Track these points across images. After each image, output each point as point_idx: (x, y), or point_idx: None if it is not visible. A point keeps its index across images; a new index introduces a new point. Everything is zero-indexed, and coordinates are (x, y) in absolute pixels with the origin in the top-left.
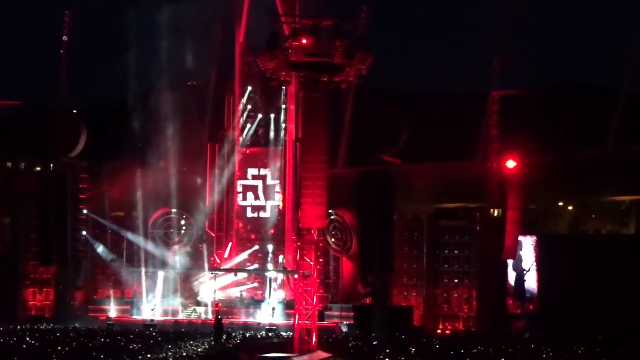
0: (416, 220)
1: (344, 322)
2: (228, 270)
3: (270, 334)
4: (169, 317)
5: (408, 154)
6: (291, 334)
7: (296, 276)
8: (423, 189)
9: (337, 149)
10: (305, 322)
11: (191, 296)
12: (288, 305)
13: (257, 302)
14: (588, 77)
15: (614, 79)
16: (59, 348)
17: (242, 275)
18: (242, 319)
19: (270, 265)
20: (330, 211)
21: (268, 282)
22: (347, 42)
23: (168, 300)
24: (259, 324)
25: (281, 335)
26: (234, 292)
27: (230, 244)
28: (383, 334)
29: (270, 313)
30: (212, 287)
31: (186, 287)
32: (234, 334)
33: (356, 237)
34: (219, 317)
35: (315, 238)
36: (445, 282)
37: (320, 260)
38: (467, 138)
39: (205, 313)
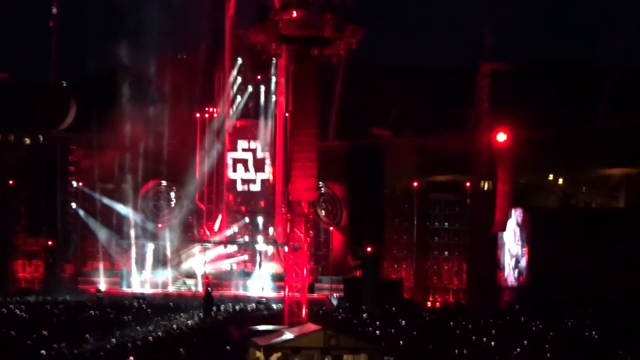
0: (406, 193)
1: (334, 295)
2: (218, 243)
3: (260, 307)
4: (159, 290)
5: (398, 128)
6: (281, 306)
7: (286, 249)
8: (413, 162)
9: (328, 122)
10: (296, 294)
11: (181, 269)
12: (278, 277)
13: (247, 275)
14: (580, 53)
15: (605, 54)
16: (49, 321)
17: (232, 248)
18: (232, 291)
19: (260, 238)
20: (320, 184)
21: (258, 255)
22: (337, 15)
23: (158, 273)
24: (249, 296)
25: (271, 307)
26: (224, 265)
27: (220, 216)
28: (373, 307)
29: (260, 286)
30: (202, 260)
31: (176, 259)
32: (223, 307)
33: (346, 209)
34: (209, 289)
35: (306, 211)
36: (435, 254)
37: (311, 232)
38: (458, 112)
39: (195, 286)
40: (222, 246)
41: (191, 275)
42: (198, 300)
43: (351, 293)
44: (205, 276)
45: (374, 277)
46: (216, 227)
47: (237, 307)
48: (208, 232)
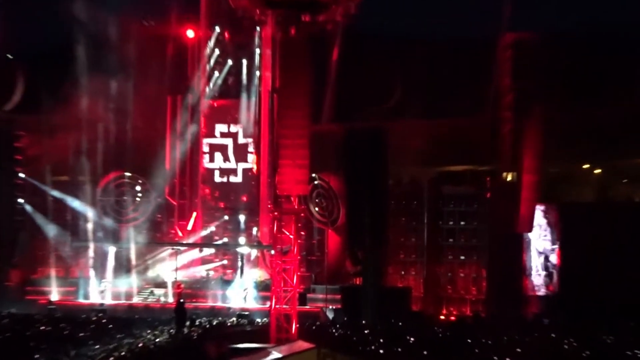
0: (415, 185)
1: (330, 307)
2: (192, 246)
3: (242, 321)
4: (122, 301)
5: (405, 108)
6: (267, 320)
7: (273, 252)
8: (423, 149)
9: (322, 101)
10: (284, 306)
11: (148, 276)
12: (263, 286)
13: (226, 283)
14: (621, 19)
15: None
16: None
17: (208, 251)
18: (209, 302)
19: (242, 240)
20: (313, 175)
21: (240, 260)
22: None
23: (121, 282)
24: (229, 308)
25: (255, 322)
26: (199, 272)
27: (194, 214)
28: (376, 321)
29: (242, 296)
30: (173, 266)
31: (142, 265)
32: (198, 321)
33: (344, 206)
34: (181, 300)
35: (296, 207)
36: (449, 259)
37: (302, 233)
38: (475, 89)
39: (165, 296)
40: (196, 249)
41: (160, 283)
42: (168, 313)
43: (350, 304)
44: (176, 285)
45: (376, 285)
46: (190, 226)
47: (214, 322)
48: (180, 233)
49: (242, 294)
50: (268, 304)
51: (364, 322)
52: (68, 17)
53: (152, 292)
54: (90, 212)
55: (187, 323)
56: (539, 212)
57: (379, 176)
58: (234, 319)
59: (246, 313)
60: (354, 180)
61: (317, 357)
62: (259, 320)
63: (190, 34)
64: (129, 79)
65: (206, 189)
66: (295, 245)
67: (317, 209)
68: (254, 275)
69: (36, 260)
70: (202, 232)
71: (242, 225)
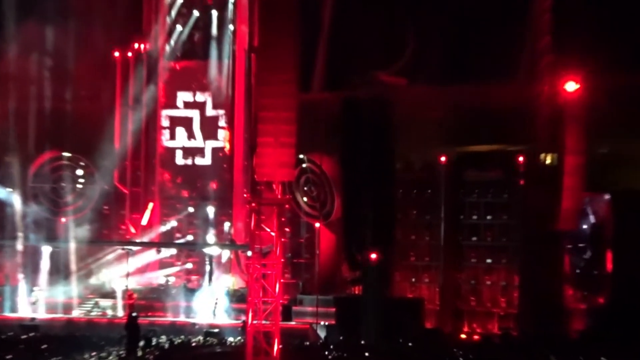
0: (429, 170)
1: (322, 323)
2: (148, 245)
3: (210, 340)
4: (59, 315)
5: (416, 72)
6: (242, 339)
7: (250, 254)
8: (439, 124)
9: (312, 64)
10: (263, 322)
11: (92, 284)
12: (238, 297)
13: (191, 293)
14: None
15: None
16: None
17: (168, 252)
18: (169, 317)
19: (210, 238)
20: (301, 157)
21: (208, 263)
22: None
23: (58, 290)
24: (194, 324)
25: (227, 341)
26: (157, 278)
27: (150, 205)
28: (379, 341)
29: (210, 309)
30: (123, 270)
31: (85, 269)
32: (156, 340)
33: (340, 195)
34: (134, 314)
35: (279, 196)
36: (472, 262)
37: (286, 230)
38: (506, 48)
39: (113, 309)
40: (153, 249)
41: (107, 293)
42: (118, 330)
43: (347, 320)
44: (128, 295)
45: (380, 296)
46: (145, 220)
47: (176, 341)
48: (133, 229)
49: (210, 306)
50: (243, 318)
51: (364, 342)
52: None
53: (96, 304)
54: (18, 202)
55: (141, 343)
56: (590, 203)
57: (384, 158)
58: (201, 337)
59: (216, 330)
60: (352, 163)
61: None
62: (231, 339)
63: None
64: (69, 33)
65: (165, 174)
66: (278, 245)
67: (305, 199)
68: (225, 282)
69: None
70: (161, 228)
71: (211, 220)
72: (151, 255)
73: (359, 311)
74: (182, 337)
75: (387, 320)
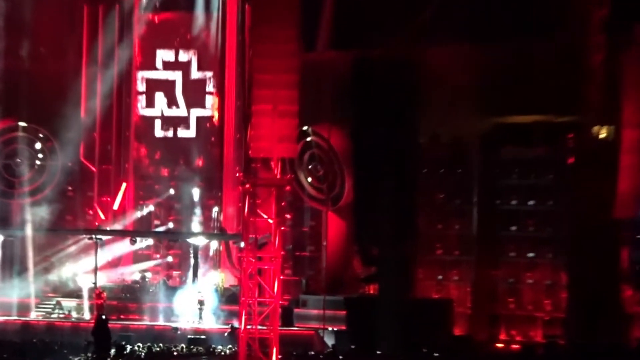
0: (459, 146)
1: (330, 329)
2: (120, 234)
3: (195, 349)
4: (13, 318)
5: (443, 27)
6: (233, 348)
7: (243, 245)
8: (471, 90)
9: (318, 17)
10: (259, 327)
11: (53, 280)
12: (228, 296)
13: (172, 291)
14: None
15: None
16: None
17: (144, 243)
18: (146, 320)
19: (195, 226)
20: (305, 129)
21: (192, 256)
22: None
23: (12, 288)
24: (176, 329)
25: (215, 350)
26: (131, 274)
27: (123, 185)
28: (398, 350)
29: (195, 311)
30: (90, 264)
31: (44, 263)
32: (130, 348)
33: (351, 175)
34: (103, 317)
35: (278, 176)
36: (511, 257)
37: (287, 216)
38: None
39: (78, 310)
40: (127, 239)
41: (71, 291)
42: (84, 335)
43: (359, 325)
44: (96, 293)
45: (399, 296)
46: (116, 204)
47: (154, 349)
48: (102, 214)
49: (195, 307)
50: (234, 323)
51: (379, 352)
52: None
53: (58, 305)
54: None
55: (112, 351)
56: None
57: (405, 130)
58: (184, 345)
59: (202, 337)
60: (366, 136)
61: None
62: (220, 347)
63: None
64: None
65: (141, 148)
66: (277, 235)
67: (310, 179)
68: (213, 279)
69: None
70: (136, 213)
71: (196, 204)
72: (124, 246)
73: (374, 315)
74: (162, 344)
75: (408, 325)
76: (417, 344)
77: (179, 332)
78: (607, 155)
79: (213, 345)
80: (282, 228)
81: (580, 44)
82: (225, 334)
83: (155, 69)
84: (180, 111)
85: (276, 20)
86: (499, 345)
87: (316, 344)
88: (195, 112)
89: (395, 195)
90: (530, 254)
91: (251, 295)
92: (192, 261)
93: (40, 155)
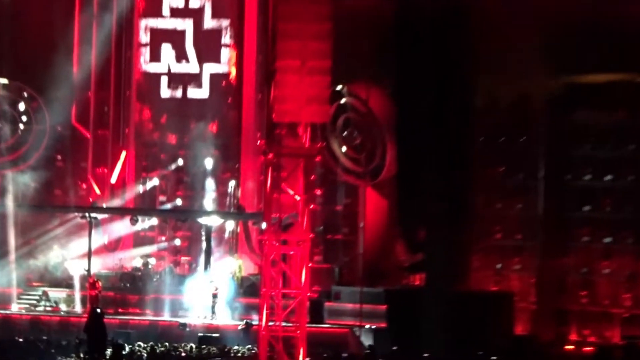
0: (523, 109)
1: (367, 326)
2: (118, 212)
3: (206, 349)
4: None
5: None
6: (253, 349)
7: (264, 226)
8: (538, 43)
9: None
10: (284, 324)
11: (38, 266)
12: (247, 287)
13: (179, 281)
14: None
15: None
16: None
17: (147, 223)
18: (149, 315)
19: (208, 203)
20: (338, 88)
21: (204, 240)
22: None
23: None
24: (184, 326)
25: (231, 350)
26: (132, 260)
27: (123, 154)
28: (447, 352)
29: (207, 304)
30: (83, 248)
31: (29, 246)
32: (130, 348)
33: (394, 144)
34: (98, 311)
35: (306, 145)
36: (584, 242)
37: (316, 192)
38: None
39: (68, 302)
40: (126, 219)
41: (60, 280)
42: (74, 332)
43: (402, 322)
44: (90, 283)
45: (450, 288)
46: (114, 177)
47: (158, 348)
48: (97, 189)
49: (207, 300)
50: (254, 319)
51: (426, 354)
52: None
53: (44, 296)
54: None
55: (109, 351)
56: None
57: (458, 91)
58: (193, 345)
59: (214, 335)
60: (411, 98)
61: None
62: (237, 347)
63: None
64: None
65: (145, 111)
66: (305, 215)
67: (345, 148)
68: (229, 267)
69: None
70: (137, 187)
71: (209, 177)
72: (123, 226)
73: (420, 310)
74: (167, 344)
75: (461, 323)
76: (471, 344)
77: (187, 330)
78: None
79: (228, 346)
80: (311, 206)
81: None
82: (239, 328)
83: (162, 16)
84: (191, 67)
85: None
86: (569, 347)
87: (351, 344)
88: (209, 68)
89: (445, 168)
90: (607, 239)
91: (274, 286)
92: (203, 245)
93: (24, 118)
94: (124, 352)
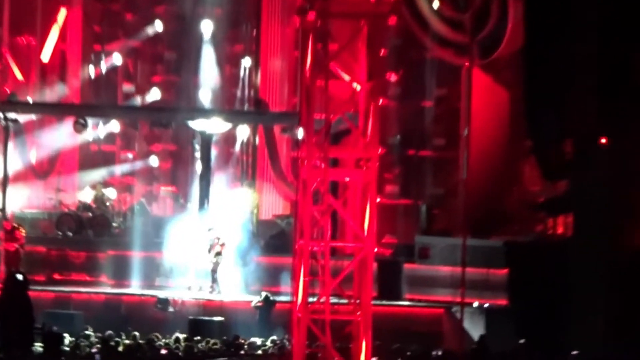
0: None
1: (475, 304)
2: (54, 111)
3: (202, 343)
4: None
5: None
6: (281, 341)
7: (301, 135)
8: None
9: None
10: (334, 300)
11: None
12: (271, 238)
13: (157, 226)
14: None
15: None
16: None
17: (103, 130)
18: (104, 286)
19: (205, 96)
20: None
21: (200, 156)
22: None
23: None
24: (165, 303)
25: (243, 344)
26: (76, 192)
27: (62, 12)
28: (609, 347)
29: (205, 267)
30: None
31: None
32: (74, 339)
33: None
34: (18, 276)
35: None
36: None
37: (392, 78)
38: None
39: None
40: (68, 122)
41: None
42: None
43: (534, 297)
44: (6, 230)
45: (617, 242)
46: (47, 52)
47: (120, 340)
48: (19, 73)
49: (204, 259)
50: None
51: (575, 352)
52: None
53: None
54: None
55: (38, 344)
56: None
57: None
58: (179, 335)
59: (216, 319)
60: None
61: None
62: (253, 339)
63: None
64: None
65: None
66: (371, 115)
67: (437, 5)
68: (241, 202)
69: None
70: (86, 69)
71: (208, 52)
72: (62, 135)
73: (565, 277)
74: (136, 333)
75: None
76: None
77: (170, 310)
78: None
79: (243, 337)
80: (380, 101)
81: None
82: (253, 305)
83: None
84: None
85: None
86: None
87: (448, 333)
88: None
89: (611, 38)
90: None
91: (318, 236)
92: (198, 167)
93: None
94: (63, 347)
